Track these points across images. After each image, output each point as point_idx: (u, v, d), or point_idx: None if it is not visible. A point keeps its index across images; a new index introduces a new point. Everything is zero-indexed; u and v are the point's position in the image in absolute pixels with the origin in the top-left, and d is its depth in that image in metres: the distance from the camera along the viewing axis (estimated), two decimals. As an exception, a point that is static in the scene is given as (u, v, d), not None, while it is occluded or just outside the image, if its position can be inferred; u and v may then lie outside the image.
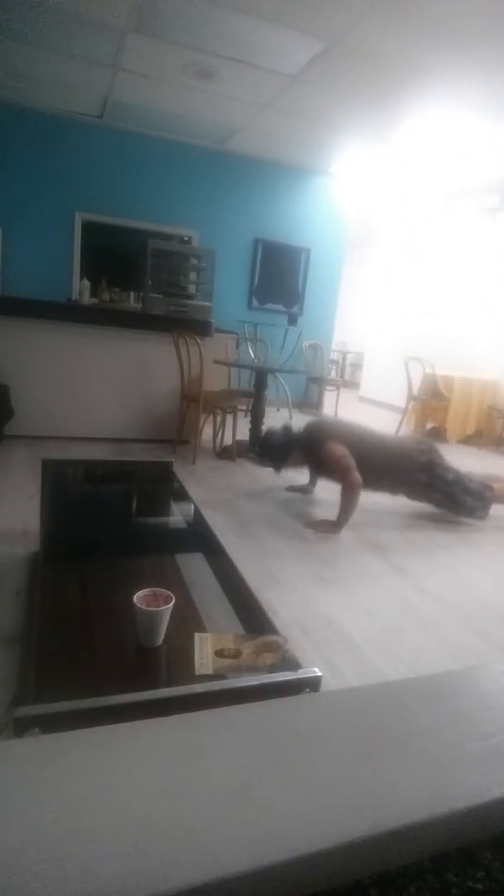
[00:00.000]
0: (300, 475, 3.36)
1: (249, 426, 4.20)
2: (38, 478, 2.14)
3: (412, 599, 2.13)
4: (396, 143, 5.34)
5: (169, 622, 1.10)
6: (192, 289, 4.91)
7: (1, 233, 5.70)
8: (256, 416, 4.17)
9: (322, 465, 2.83)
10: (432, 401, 5.72)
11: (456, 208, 6.61)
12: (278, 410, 6.46)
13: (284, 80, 4.31)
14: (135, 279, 5.55)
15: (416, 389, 5.86)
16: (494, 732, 0.60)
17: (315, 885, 0.46)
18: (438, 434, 5.79)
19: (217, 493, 3.20)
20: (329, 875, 0.47)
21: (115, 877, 0.40)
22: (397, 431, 5.80)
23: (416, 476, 2.91)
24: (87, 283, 4.70)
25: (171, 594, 1.11)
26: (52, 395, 4.03)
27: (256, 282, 6.74)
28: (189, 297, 4.74)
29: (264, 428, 3.04)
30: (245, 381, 5.84)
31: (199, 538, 1.76)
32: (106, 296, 5.22)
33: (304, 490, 3.29)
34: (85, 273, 5.71)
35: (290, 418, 6.19)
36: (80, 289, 4.74)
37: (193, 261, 5.14)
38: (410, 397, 5.84)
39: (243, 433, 4.22)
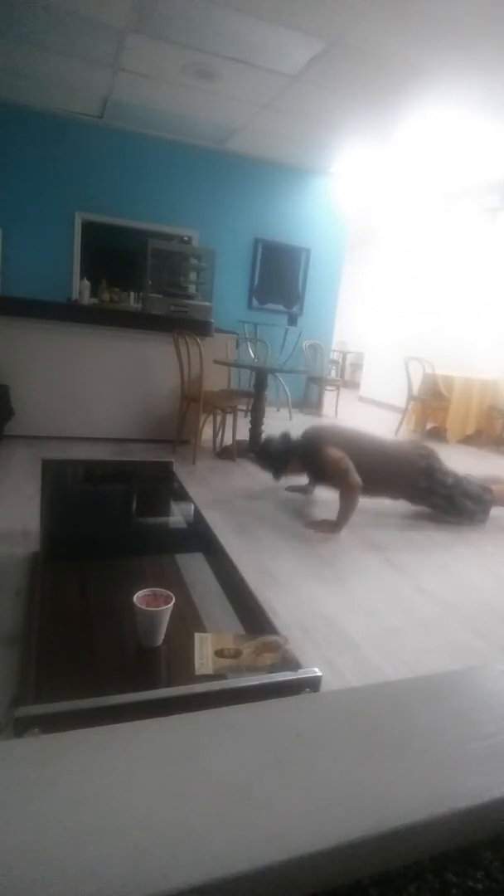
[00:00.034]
0: (300, 478, 3.36)
1: (249, 426, 4.20)
2: (38, 478, 2.14)
3: (412, 599, 2.13)
4: (396, 143, 5.34)
5: (169, 622, 1.10)
6: (192, 289, 4.91)
7: (1, 233, 5.70)
8: (256, 416, 4.17)
9: (321, 471, 2.83)
10: (432, 401, 5.72)
11: (456, 208, 6.61)
12: (278, 410, 6.46)
13: (284, 80, 4.31)
14: (135, 279, 5.55)
15: (416, 389, 5.86)
16: (494, 732, 0.60)
17: (315, 885, 0.46)
18: (438, 434, 5.79)
19: (217, 493, 3.20)
20: (329, 875, 0.47)
21: (115, 877, 0.40)
22: (397, 431, 5.80)
23: (416, 481, 2.91)
24: (87, 283, 4.70)
25: (171, 594, 1.11)
26: (52, 395, 4.03)
27: (256, 282, 6.74)
28: (189, 297, 4.74)
29: (263, 436, 3.04)
30: (245, 381, 5.84)
31: (199, 538, 1.76)
32: (106, 296, 5.22)
33: (304, 490, 3.29)
34: (85, 273, 5.71)
35: (290, 418, 6.19)
36: (80, 289, 4.74)
37: (193, 261, 5.14)
38: (410, 397, 5.85)
39: (243, 433, 4.22)
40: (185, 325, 4.03)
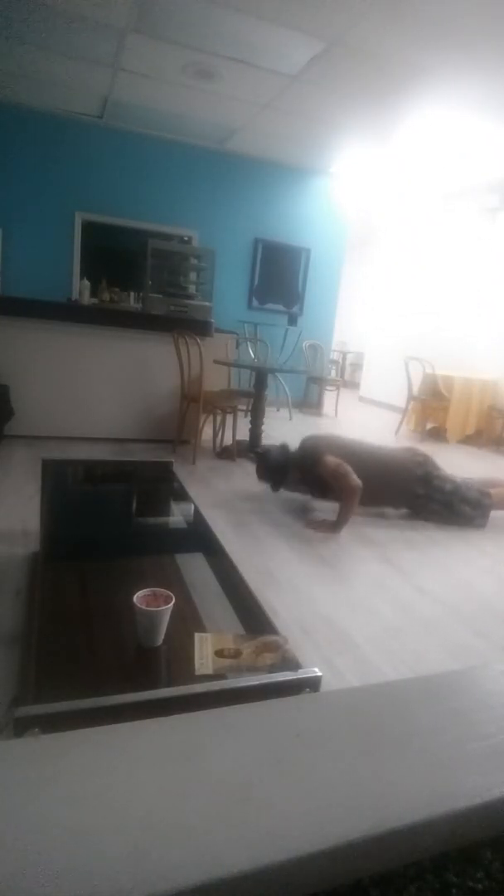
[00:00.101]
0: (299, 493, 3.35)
1: (249, 426, 4.20)
2: (38, 478, 2.14)
3: (412, 599, 2.13)
4: (396, 143, 5.34)
5: (169, 622, 1.10)
6: (192, 289, 4.91)
7: (1, 233, 5.70)
8: (256, 416, 4.17)
9: (320, 481, 2.82)
10: (432, 401, 5.72)
11: (456, 208, 6.61)
12: (278, 410, 6.46)
13: (284, 80, 4.31)
14: (135, 279, 5.55)
15: (416, 389, 5.86)
16: (494, 732, 0.60)
17: (315, 885, 0.46)
18: (438, 434, 5.79)
19: (217, 493, 3.20)
20: (329, 875, 0.47)
21: (115, 877, 0.40)
22: (397, 431, 5.80)
23: (413, 488, 2.92)
24: (87, 283, 4.70)
25: (171, 594, 1.11)
26: (52, 395, 4.03)
27: (256, 282, 6.74)
28: (189, 297, 4.74)
29: (261, 448, 3.03)
30: (245, 381, 5.84)
31: (199, 538, 1.76)
32: (106, 296, 5.22)
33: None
34: (85, 273, 5.71)
35: (290, 418, 6.19)
36: (80, 289, 4.75)
37: (193, 261, 5.14)
38: (410, 397, 5.85)
39: (243, 433, 4.22)
40: (185, 325, 4.03)
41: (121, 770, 0.51)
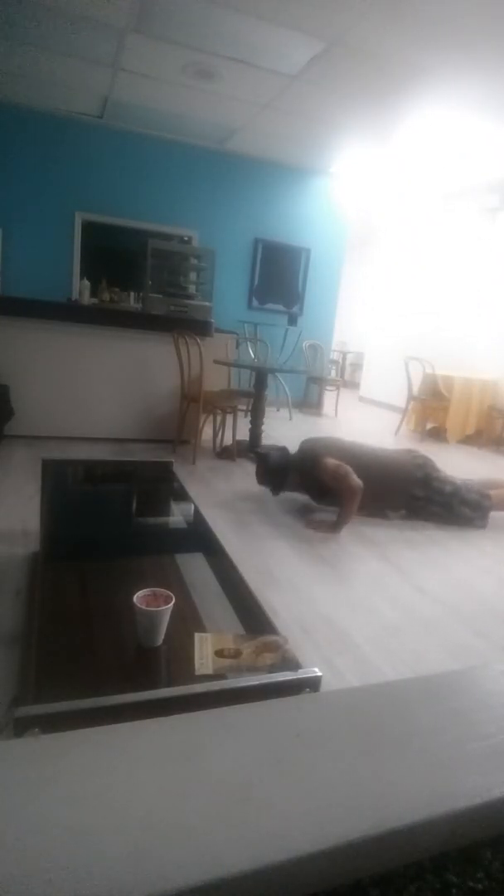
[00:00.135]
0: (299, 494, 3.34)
1: (249, 426, 4.20)
2: (38, 478, 2.14)
3: (412, 599, 2.13)
4: (396, 143, 5.34)
5: (169, 622, 1.10)
6: (192, 289, 4.91)
7: (1, 233, 5.70)
8: (256, 416, 4.17)
9: (320, 484, 2.82)
10: (432, 401, 5.72)
11: (456, 208, 6.61)
12: (278, 410, 6.46)
13: (284, 80, 4.31)
14: (135, 279, 5.55)
15: (416, 389, 5.86)
16: (494, 732, 0.60)
17: (315, 885, 0.46)
18: (438, 434, 5.79)
19: (217, 493, 3.20)
20: (329, 875, 0.47)
21: (115, 877, 0.40)
22: (397, 431, 5.80)
23: (413, 491, 2.92)
24: (87, 283, 4.70)
25: (171, 594, 1.11)
26: (52, 395, 4.03)
27: (256, 282, 6.74)
28: (189, 297, 4.74)
29: (261, 450, 3.02)
30: (245, 381, 5.84)
31: (199, 538, 1.76)
32: (106, 296, 5.22)
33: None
34: (85, 273, 5.71)
35: (290, 418, 6.19)
36: (80, 289, 4.75)
37: (193, 261, 5.14)
38: (410, 397, 5.85)
39: (243, 433, 4.22)
40: (185, 325, 4.03)
41: (121, 770, 0.51)
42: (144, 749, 0.54)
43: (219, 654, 1.06)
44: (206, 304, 4.74)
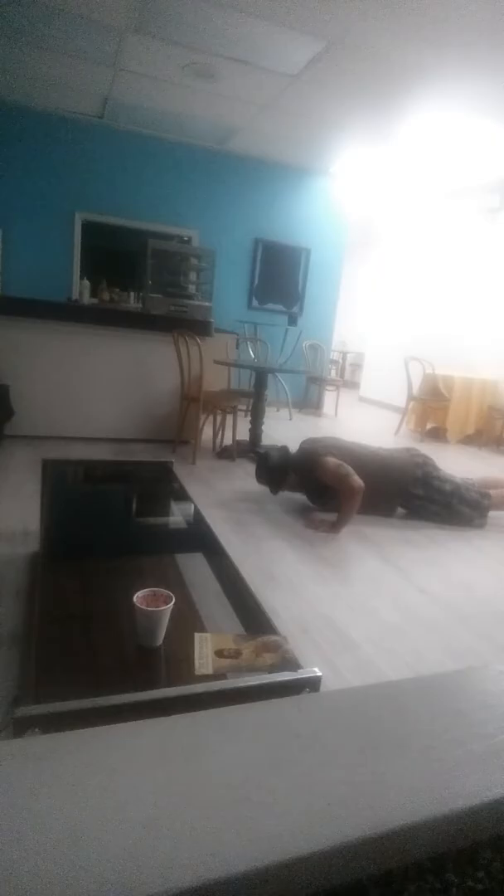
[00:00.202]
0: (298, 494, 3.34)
1: (249, 426, 4.20)
2: (38, 478, 2.15)
3: (412, 599, 2.13)
4: (397, 143, 5.34)
5: (169, 622, 1.10)
6: (192, 289, 4.92)
7: (1, 233, 5.70)
8: (256, 416, 4.17)
9: (319, 484, 2.82)
10: (432, 401, 5.72)
11: (456, 208, 6.61)
12: (278, 410, 6.46)
13: (284, 80, 4.31)
14: (135, 279, 5.56)
15: (416, 389, 5.86)
16: (494, 732, 0.60)
17: (315, 886, 0.46)
18: (438, 434, 5.79)
19: (217, 493, 3.20)
20: (329, 875, 0.47)
21: (115, 877, 0.40)
22: (397, 431, 5.80)
23: (413, 490, 2.92)
24: (87, 283, 4.71)
25: (171, 594, 1.11)
26: (52, 395, 4.03)
27: (256, 282, 6.74)
28: (189, 297, 4.75)
29: (261, 450, 3.03)
30: (245, 381, 5.84)
31: (199, 538, 1.76)
32: (106, 296, 5.23)
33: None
34: (85, 273, 5.71)
35: (290, 418, 6.19)
36: (80, 289, 4.75)
37: (193, 261, 5.15)
38: (410, 397, 5.85)
39: (243, 433, 4.22)
40: (185, 325, 4.03)
41: (121, 770, 0.51)
42: (144, 749, 0.54)
43: (219, 654, 1.06)
44: (206, 304, 4.74)
